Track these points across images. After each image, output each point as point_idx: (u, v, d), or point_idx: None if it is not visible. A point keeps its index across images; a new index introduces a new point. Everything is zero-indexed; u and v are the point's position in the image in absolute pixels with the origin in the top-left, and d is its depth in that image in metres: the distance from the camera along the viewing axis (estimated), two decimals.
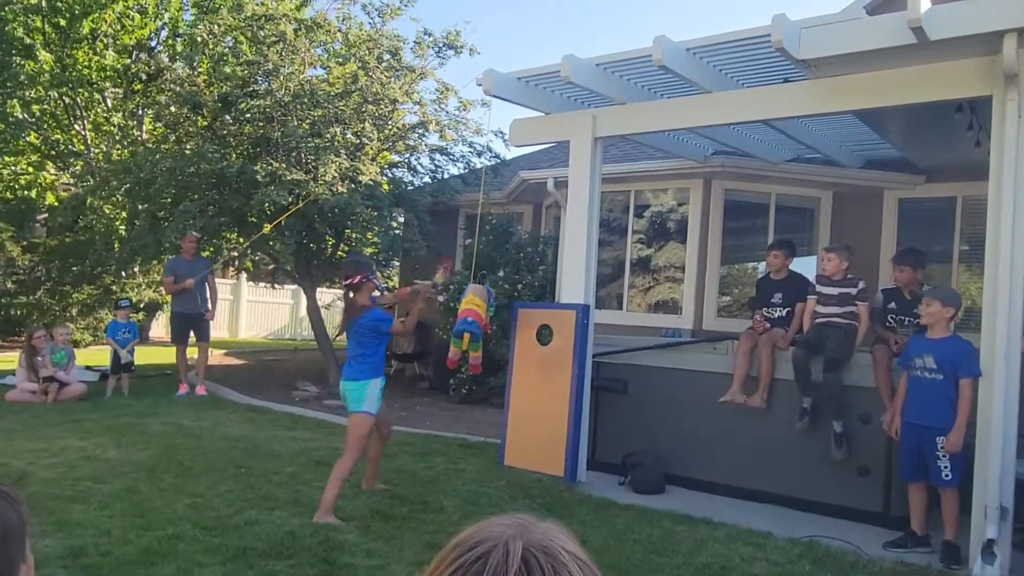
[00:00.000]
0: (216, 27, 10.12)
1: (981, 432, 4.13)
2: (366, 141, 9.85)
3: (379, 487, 5.00)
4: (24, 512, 1.16)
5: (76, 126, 14.74)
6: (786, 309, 5.75)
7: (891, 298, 5.45)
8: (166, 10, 15.05)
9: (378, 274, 4.82)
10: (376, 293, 4.76)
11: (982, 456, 4.10)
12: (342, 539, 3.98)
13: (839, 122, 6.53)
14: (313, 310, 10.77)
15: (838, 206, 8.50)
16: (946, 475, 4.27)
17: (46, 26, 13.64)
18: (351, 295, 4.62)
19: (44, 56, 13.44)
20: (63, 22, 13.54)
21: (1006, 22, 3.86)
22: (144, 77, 11.28)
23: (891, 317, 5.37)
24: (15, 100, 13.32)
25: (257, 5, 10.04)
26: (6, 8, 13.16)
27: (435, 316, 10.00)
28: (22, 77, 13.40)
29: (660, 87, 5.86)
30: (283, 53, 9.75)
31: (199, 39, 10.13)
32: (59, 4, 13.36)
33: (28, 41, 13.39)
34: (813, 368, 5.21)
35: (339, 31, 10.45)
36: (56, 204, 15.39)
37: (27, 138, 14.60)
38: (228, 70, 9.97)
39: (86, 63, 13.81)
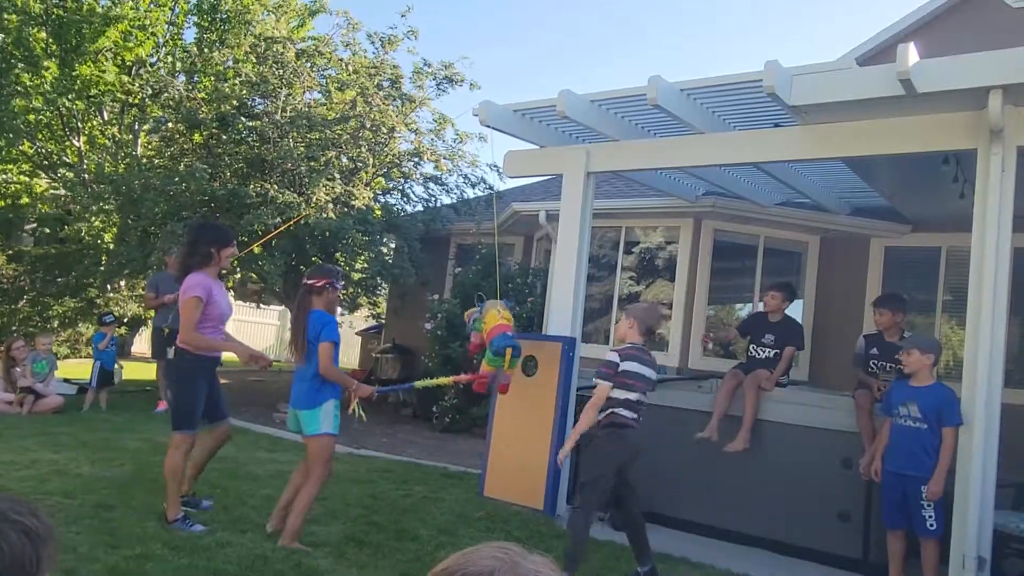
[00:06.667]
0: (235, 49, 10.28)
1: (960, 482, 4.13)
2: (361, 166, 9.90)
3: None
4: (44, 550, 1.08)
5: (72, 139, 14.73)
6: (775, 351, 5.78)
7: (872, 344, 5.49)
8: (172, 29, 15.18)
9: (341, 287, 4.54)
10: (338, 316, 4.50)
11: (961, 506, 4.09)
12: (315, 564, 3.92)
13: (828, 169, 6.63)
14: None
15: (825, 251, 8.59)
16: (931, 525, 4.26)
17: (50, 39, 13.71)
18: (308, 298, 4.28)
19: (50, 64, 13.47)
20: (77, 38, 13.59)
21: (992, 79, 3.96)
22: (149, 93, 11.32)
23: (872, 363, 5.40)
24: (14, 105, 13.30)
25: (263, 23, 10.18)
26: (9, 17, 13.23)
27: (421, 343, 9.97)
28: (20, 87, 13.42)
29: (653, 126, 5.95)
30: (284, 77, 9.84)
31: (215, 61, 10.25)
32: (65, 20, 13.43)
33: (32, 52, 13.42)
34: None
35: (340, 59, 10.56)
36: (44, 213, 15.32)
37: (20, 147, 14.58)
38: (229, 89, 10.04)
39: (87, 77, 13.84)
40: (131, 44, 14.40)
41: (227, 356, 4.83)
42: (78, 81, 13.60)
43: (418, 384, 5.14)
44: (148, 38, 14.53)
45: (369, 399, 4.63)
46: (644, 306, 4.51)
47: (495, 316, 5.20)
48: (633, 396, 4.23)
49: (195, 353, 4.45)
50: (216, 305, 4.47)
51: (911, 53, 3.94)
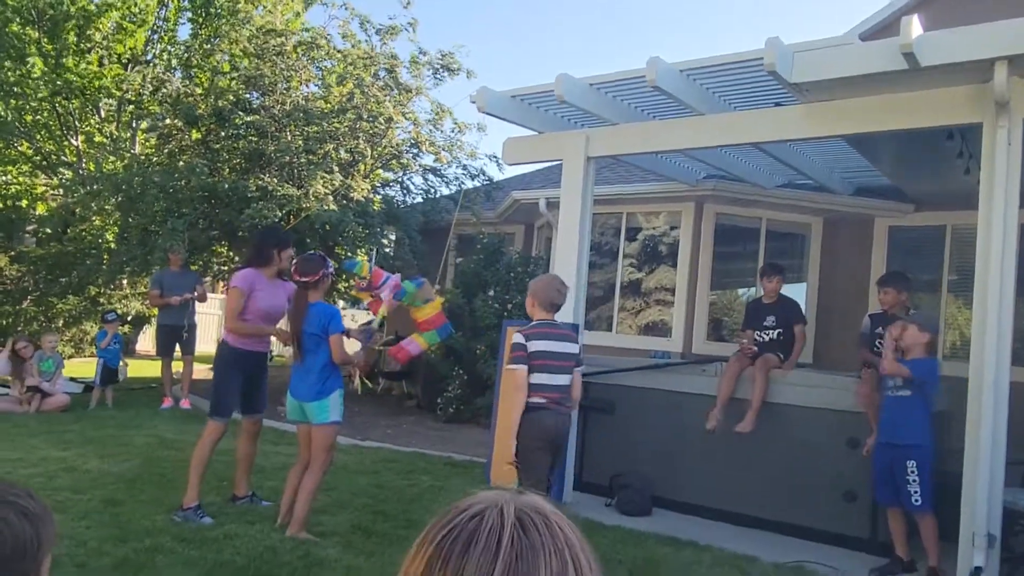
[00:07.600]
0: (231, 44, 10.22)
1: (969, 460, 4.11)
2: (359, 158, 9.85)
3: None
4: (44, 530, 1.08)
5: (70, 138, 14.67)
6: (778, 331, 5.76)
7: (878, 323, 5.45)
8: (167, 24, 15.09)
9: (332, 264, 4.57)
10: (345, 312, 4.55)
11: (969, 483, 4.07)
12: (323, 554, 3.92)
13: (830, 148, 6.58)
14: None
15: (829, 232, 8.54)
16: (916, 499, 4.27)
17: (41, 36, 13.63)
18: (305, 293, 4.34)
19: (37, 61, 13.41)
20: (70, 34, 13.49)
21: (997, 50, 3.90)
22: (150, 90, 11.24)
23: (878, 342, 5.37)
24: (8, 104, 13.25)
25: (260, 17, 10.10)
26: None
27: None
28: (14, 84, 13.36)
29: (653, 108, 5.89)
30: (281, 70, 9.79)
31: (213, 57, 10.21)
32: (52, 12, 13.34)
33: (20, 44, 13.32)
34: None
35: (337, 51, 10.49)
36: (46, 214, 15.29)
37: (19, 147, 14.53)
38: (225, 84, 9.99)
39: (79, 72, 13.75)
40: (121, 36, 14.30)
41: (281, 360, 4.94)
42: (70, 73, 13.50)
43: (375, 321, 4.98)
44: (138, 28, 14.44)
45: (366, 368, 4.75)
46: (540, 280, 4.22)
47: (439, 304, 5.10)
48: (543, 378, 3.90)
49: (233, 345, 4.65)
50: (257, 300, 4.62)
51: (914, 26, 3.88)
